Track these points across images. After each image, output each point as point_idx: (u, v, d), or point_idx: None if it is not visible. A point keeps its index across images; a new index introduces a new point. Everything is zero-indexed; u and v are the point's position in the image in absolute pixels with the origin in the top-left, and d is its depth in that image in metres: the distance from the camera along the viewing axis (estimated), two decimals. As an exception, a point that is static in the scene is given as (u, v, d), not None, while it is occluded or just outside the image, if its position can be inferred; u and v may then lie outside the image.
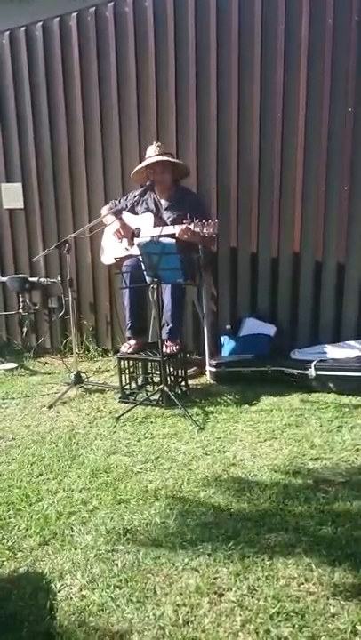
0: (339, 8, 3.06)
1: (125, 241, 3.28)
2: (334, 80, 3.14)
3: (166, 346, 3.02)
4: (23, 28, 3.81)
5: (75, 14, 3.65)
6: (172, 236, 2.98)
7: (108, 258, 3.43)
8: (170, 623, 1.39)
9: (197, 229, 2.89)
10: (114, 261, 3.09)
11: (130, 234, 3.26)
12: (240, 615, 1.40)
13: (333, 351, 3.13)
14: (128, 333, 3.27)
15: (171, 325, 3.09)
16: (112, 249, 3.38)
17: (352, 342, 3.23)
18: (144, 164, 3.22)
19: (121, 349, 3.24)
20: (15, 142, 4.01)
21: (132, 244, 3.22)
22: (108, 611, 1.45)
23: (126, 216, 3.37)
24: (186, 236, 2.96)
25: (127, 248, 3.27)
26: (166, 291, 3.08)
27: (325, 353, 3.14)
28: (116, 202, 3.46)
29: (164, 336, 3.05)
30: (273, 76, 3.26)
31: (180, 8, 3.37)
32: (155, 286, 2.88)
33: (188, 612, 1.42)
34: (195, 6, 3.33)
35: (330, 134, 3.22)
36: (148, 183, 3.26)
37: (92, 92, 3.72)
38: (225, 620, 1.39)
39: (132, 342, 3.21)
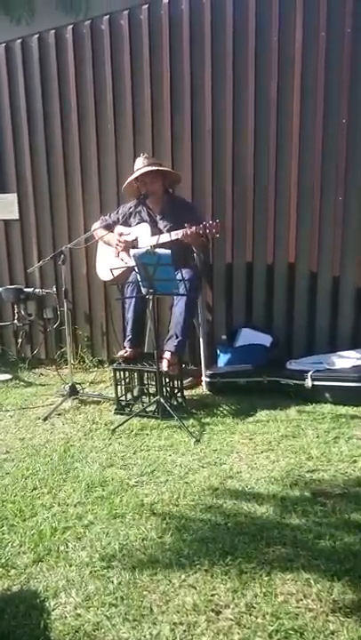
0: (332, 20, 3.09)
1: (123, 253, 3.27)
2: (328, 91, 3.17)
3: (168, 361, 2.97)
4: (19, 40, 3.83)
5: (70, 27, 3.68)
6: (170, 243, 2.98)
7: (103, 272, 3.40)
8: (166, 642, 1.36)
9: (201, 231, 2.88)
10: (111, 275, 3.07)
11: (130, 245, 3.25)
12: (238, 634, 1.38)
13: (330, 361, 3.13)
14: (127, 345, 3.26)
15: (180, 338, 3.03)
16: (108, 262, 3.36)
17: (348, 352, 3.22)
18: (133, 176, 3.22)
19: (118, 353, 3.22)
20: (10, 153, 4.01)
21: (130, 256, 3.21)
22: (103, 630, 1.42)
23: (119, 229, 3.36)
24: (189, 239, 2.95)
25: (122, 259, 3.26)
26: (180, 303, 3.05)
27: (322, 363, 3.13)
28: (107, 217, 3.45)
29: (171, 348, 3.01)
30: (267, 86, 3.28)
31: (175, 21, 3.40)
32: (150, 297, 2.87)
33: (185, 631, 1.40)
34: (189, 19, 3.36)
35: (324, 145, 3.24)
36: (141, 196, 3.25)
37: (88, 102, 3.73)
38: (223, 638, 1.37)
39: (129, 349, 3.21)
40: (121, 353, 3.19)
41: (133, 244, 3.24)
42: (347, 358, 3.13)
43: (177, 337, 3.04)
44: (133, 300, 3.18)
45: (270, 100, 3.29)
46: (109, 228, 3.37)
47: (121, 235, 3.28)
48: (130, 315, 3.23)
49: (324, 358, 3.18)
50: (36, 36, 3.78)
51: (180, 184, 3.43)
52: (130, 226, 3.34)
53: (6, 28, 5.22)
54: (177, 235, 2.99)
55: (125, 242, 3.25)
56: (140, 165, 3.21)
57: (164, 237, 3.07)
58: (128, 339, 3.25)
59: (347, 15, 3.06)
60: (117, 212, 3.42)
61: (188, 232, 2.90)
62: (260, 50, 3.25)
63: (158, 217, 3.29)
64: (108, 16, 3.56)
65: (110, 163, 3.74)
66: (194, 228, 2.88)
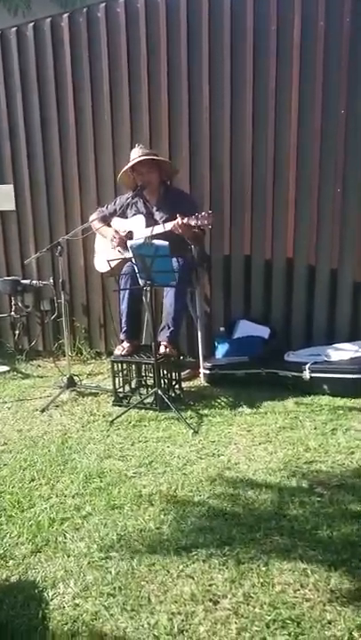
0: (330, 10, 3.06)
1: (120, 246, 3.25)
2: (327, 82, 3.14)
3: (165, 346, 3.00)
4: (14, 28, 3.78)
5: (66, 15, 3.63)
6: (165, 234, 2.96)
7: (101, 263, 3.38)
8: (164, 632, 1.37)
9: (192, 222, 2.87)
10: (108, 267, 3.06)
11: (124, 239, 3.24)
12: (236, 623, 1.39)
13: (327, 353, 3.13)
14: (122, 336, 3.25)
15: (172, 329, 3.04)
16: (105, 253, 3.35)
17: (346, 344, 3.22)
18: (128, 165, 3.19)
19: (115, 352, 3.22)
20: (6, 143, 3.97)
21: (126, 249, 3.19)
22: (101, 620, 1.42)
23: (116, 221, 3.34)
24: (181, 230, 2.93)
25: (120, 251, 3.25)
26: (169, 294, 3.05)
27: (320, 355, 3.13)
28: (103, 208, 3.44)
29: (164, 338, 3.02)
30: (265, 77, 3.25)
31: (172, 9, 3.35)
32: (148, 289, 2.86)
33: (182, 621, 1.40)
34: (187, 7, 3.32)
35: (323, 136, 3.22)
36: (137, 187, 3.23)
37: (84, 93, 3.69)
38: (220, 628, 1.38)
39: (126, 345, 3.19)
40: (117, 352, 3.17)
41: (128, 237, 3.23)
42: (345, 350, 3.13)
43: (169, 327, 3.05)
44: (127, 291, 3.17)
45: (269, 90, 3.26)
46: (106, 219, 3.35)
47: (117, 231, 3.26)
48: (124, 307, 3.22)
49: (322, 350, 3.18)
50: (32, 24, 3.74)
51: (178, 176, 3.41)
52: (127, 217, 3.33)
53: (4, 19, 5.17)
54: (165, 228, 2.97)
55: (120, 237, 3.24)
56: (136, 155, 3.19)
57: (158, 229, 3.05)
58: (124, 331, 3.24)
59: (346, 4, 3.02)
60: (115, 204, 3.40)
61: (179, 223, 2.89)
62: (258, 40, 3.22)
63: (154, 208, 3.27)
64: (104, 4, 3.52)
65: (107, 153, 3.71)
66: (186, 219, 2.87)
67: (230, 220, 3.50)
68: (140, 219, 3.22)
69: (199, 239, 3.18)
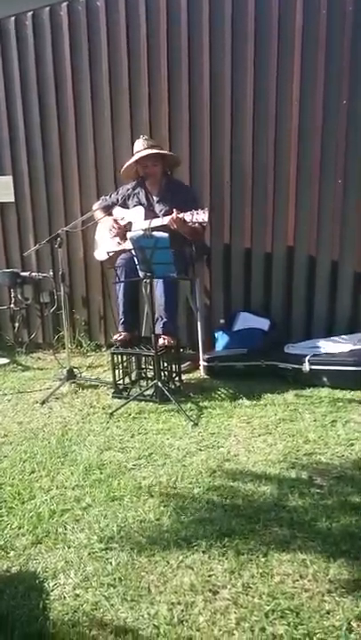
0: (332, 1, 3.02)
1: (119, 236, 3.25)
2: (328, 73, 3.12)
3: (164, 338, 3.00)
4: (13, 17, 3.74)
5: (65, 4, 3.59)
6: (163, 227, 2.95)
7: (101, 253, 3.39)
8: (164, 622, 1.38)
9: (188, 218, 2.86)
10: (107, 256, 3.06)
11: (123, 229, 3.23)
12: (235, 613, 1.39)
13: (327, 345, 3.13)
14: (120, 328, 3.25)
15: (165, 320, 3.06)
16: (105, 243, 3.35)
17: (345, 336, 3.22)
18: (133, 159, 3.17)
19: (114, 337, 3.21)
20: (5, 135, 3.95)
21: (124, 239, 3.19)
22: (101, 610, 1.43)
23: (117, 211, 3.34)
24: (175, 226, 2.92)
25: (119, 242, 3.24)
26: (158, 285, 3.05)
27: (319, 347, 3.13)
28: (107, 197, 3.43)
29: (159, 330, 3.03)
30: (267, 68, 3.23)
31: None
32: (148, 281, 2.85)
33: (182, 611, 1.41)
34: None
35: (324, 127, 3.20)
36: (139, 178, 3.22)
37: (84, 84, 3.66)
38: (220, 618, 1.38)
39: (124, 332, 3.19)
40: (116, 337, 3.18)
41: (127, 228, 3.22)
42: (344, 342, 3.13)
43: (162, 319, 3.05)
44: (123, 282, 3.16)
45: (270, 81, 3.24)
46: (109, 208, 3.34)
47: (116, 221, 3.26)
48: (120, 298, 3.22)
49: (322, 342, 3.18)
50: (30, 13, 3.69)
51: (179, 168, 3.39)
52: (128, 207, 3.32)
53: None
54: (163, 221, 2.97)
55: (120, 227, 3.23)
56: (140, 148, 3.16)
57: (156, 221, 3.04)
58: (121, 322, 3.24)
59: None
60: (117, 193, 3.39)
61: (174, 217, 2.89)
62: (259, 30, 3.18)
63: (156, 200, 3.26)
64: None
65: (107, 144, 3.69)
66: (181, 214, 2.86)
67: (231, 212, 3.48)
68: (140, 210, 3.21)
69: (197, 234, 3.14)
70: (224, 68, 3.31)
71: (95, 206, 3.42)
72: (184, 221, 2.90)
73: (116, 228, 3.24)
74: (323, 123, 3.19)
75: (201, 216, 2.83)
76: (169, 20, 3.36)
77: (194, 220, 2.85)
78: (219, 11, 3.24)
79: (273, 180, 3.36)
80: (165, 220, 2.99)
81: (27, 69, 3.79)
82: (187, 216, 2.86)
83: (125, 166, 3.24)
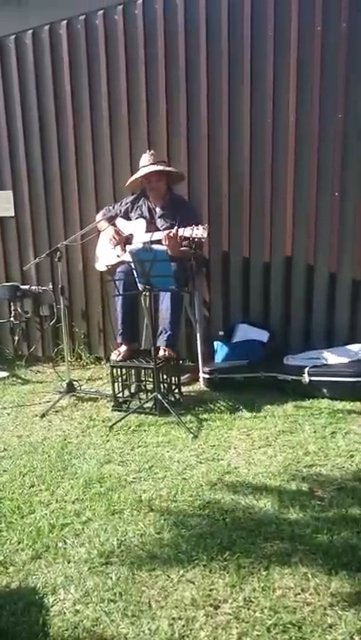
0: (327, 14, 3.08)
1: (118, 248, 3.28)
2: (324, 86, 3.16)
3: (164, 350, 3.01)
4: (13, 36, 3.81)
5: (64, 22, 3.65)
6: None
7: (101, 264, 3.42)
8: (165, 637, 1.36)
9: (187, 233, 2.89)
10: (106, 268, 3.09)
11: (124, 240, 3.26)
12: (236, 628, 1.38)
13: (326, 357, 3.13)
14: (119, 339, 3.26)
15: (169, 333, 3.07)
16: (105, 256, 3.37)
17: (345, 347, 3.23)
18: (139, 174, 3.21)
19: (111, 357, 3.22)
20: (5, 149, 3.99)
21: (124, 251, 3.21)
22: (102, 626, 1.42)
23: (120, 222, 3.37)
24: (167, 242, 2.94)
25: (118, 255, 3.27)
26: (165, 298, 3.07)
27: (318, 358, 3.13)
28: (110, 208, 3.47)
29: (162, 344, 3.03)
30: (263, 81, 3.27)
31: (170, 15, 3.38)
32: (147, 293, 2.87)
33: (183, 626, 1.40)
34: (184, 11, 3.34)
35: (320, 140, 3.24)
36: (142, 190, 3.26)
37: (83, 99, 3.71)
38: (221, 633, 1.37)
39: (123, 349, 3.20)
40: (114, 357, 3.18)
41: (128, 240, 3.25)
42: (344, 353, 3.14)
43: (166, 331, 3.07)
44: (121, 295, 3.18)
45: (266, 94, 3.28)
46: (112, 219, 3.37)
47: (117, 231, 3.29)
48: (119, 309, 3.23)
49: (321, 353, 3.19)
50: (30, 31, 3.76)
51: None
52: (130, 219, 3.35)
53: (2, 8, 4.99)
54: (161, 236, 3.00)
55: (120, 237, 3.26)
56: (147, 163, 3.21)
57: (157, 235, 3.07)
58: (120, 333, 3.25)
59: (343, 9, 3.05)
60: (121, 204, 3.43)
61: (170, 234, 2.92)
62: (255, 46, 3.24)
63: (158, 214, 3.29)
64: (102, 11, 3.54)
65: (106, 158, 3.73)
66: (182, 229, 2.90)
67: (229, 223, 3.51)
68: (142, 223, 3.25)
69: (186, 257, 3.14)
70: (221, 82, 3.36)
71: (99, 216, 3.46)
72: (177, 240, 2.92)
73: (117, 239, 3.26)
74: (319, 135, 3.23)
75: (200, 231, 2.86)
76: (166, 39, 3.42)
77: (193, 235, 2.88)
78: (216, 27, 3.30)
79: (271, 191, 3.39)
80: (162, 235, 3.01)
81: (26, 85, 3.84)
82: (187, 231, 2.89)
83: (131, 180, 3.28)
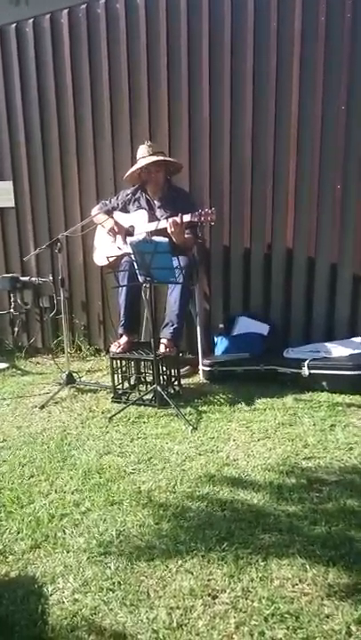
0: (331, 5, 3.05)
1: (119, 239, 3.26)
2: (327, 78, 3.14)
3: (165, 345, 3.00)
4: (13, 25, 3.77)
5: (66, 11, 3.62)
6: (166, 232, 2.96)
7: (100, 258, 3.39)
8: (163, 626, 1.37)
9: (195, 219, 2.88)
10: (107, 262, 3.07)
11: (124, 231, 3.25)
12: (234, 617, 1.39)
13: (326, 350, 3.13)
14: (120, 330, 3.25)
15: (176, 326, 3.06)
16: (105, 248, 3.36)
17: (345, 341, 3.23)
18: (138, 165, 3.19)
19: (111, 349, 3.22)
20: (6, 140, 3.97)
21: (125, 242, 3.20)
22: (100, 614, 1.43)
23: (118, 215, 3.35)
24: (173, 229, 2.93)
25: (119, 247, 3.25)
26: (175, 290, 3.06)
27: (318, 352, 3.13)
28: (107, 202, 3.43)
29: (167, 335, 3.02)
30: (266, 73, 3.25)
31: (172, 3, 3.34)
32: (147, 285, 2.86)
33: (181, 615, 1.41)
34: (187, 3, 3.31)
35: (323, 132, 3.21)
36: (141, 183, 3.24)
37: (84, 90, 3.68)
38: (219, 622, 1.38)
39: (123, 341, 3.19)
40: (113, 349, 3.17)
41: (129, 231, 3.23)
42: (344, 347, 3.14)
43: (172, 324, 3.05)
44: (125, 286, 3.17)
45: (269, 86, 3.26)
46: (109, 213, 3.35)
47: (117, 223, 3.27)
48: (122, 300, 3.22)
49: (321, 347, 3.19)
50: (31, 20, 3.72)
51: (179, 173, 3.40)
52: (128, 212, 3.33)
53: (4, 8, 5.02)
54: (167, 224, 2.98)
55: (120, 228, 3.24)
56: (145, 154, 3.19)
57: (163, 223, 3.06)
58: (122, 324, 3.25)
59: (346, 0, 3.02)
60: (117, 198, 3.40)
61: (175, 221, 2.90)
62: (258, 36, 3.21)
63: (157, 205, 3.28)
64: (104, 0, 3.51)
65: (107, 149, 3.71)
66: (189, 215, 2.88)
67: (230, 216, 3.50)
68: (143, 213, 3.23)
69: (189, 245, 3.15)
70: (223, 72, 3.33)
71: (94, 210, 3.43)
72: (182, 228, 2.91)
73: (117, 230, 3.25)
74: (322, 128, 3.21)
75: (208, 216, 2.86)
76: (168, 28, 3.38)
77: (202, 220, 2.88)
78: (218, 21, 3.27)
79: (272, 184, 3.37)
80: (167, 223, 2.99)
81: (27, 75, 3.81)
82: (194, 217, 2.88)
83: (130, 172, 3.26)
